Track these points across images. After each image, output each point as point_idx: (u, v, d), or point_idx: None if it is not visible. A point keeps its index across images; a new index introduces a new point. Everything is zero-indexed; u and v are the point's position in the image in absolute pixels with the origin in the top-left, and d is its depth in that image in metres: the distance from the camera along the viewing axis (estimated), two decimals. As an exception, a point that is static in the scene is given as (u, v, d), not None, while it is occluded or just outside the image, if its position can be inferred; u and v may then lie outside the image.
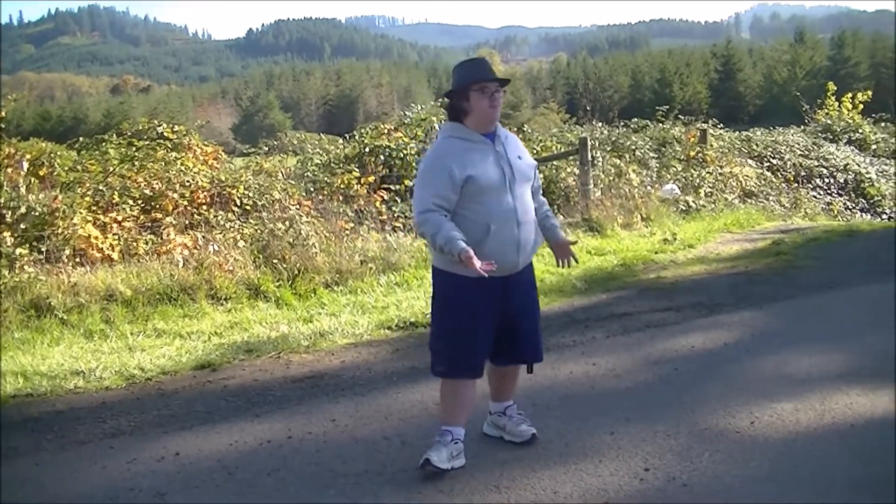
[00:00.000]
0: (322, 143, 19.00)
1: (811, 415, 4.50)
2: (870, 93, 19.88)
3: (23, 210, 7.91)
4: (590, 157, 11.48)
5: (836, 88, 19.97)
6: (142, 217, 8.88)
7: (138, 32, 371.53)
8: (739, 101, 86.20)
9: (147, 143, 10.12)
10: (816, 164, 15.98)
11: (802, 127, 19.21)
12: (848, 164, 16.29)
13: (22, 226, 7.87)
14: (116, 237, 8.33)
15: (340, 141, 14.49)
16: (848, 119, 18.81)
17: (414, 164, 11.00)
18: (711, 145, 14.63)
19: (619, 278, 8.35)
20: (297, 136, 30.71)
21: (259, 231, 8.77)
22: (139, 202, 9.05)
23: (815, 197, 15.18)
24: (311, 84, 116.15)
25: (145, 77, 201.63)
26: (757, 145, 16.13)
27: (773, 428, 4.36)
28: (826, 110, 19.49)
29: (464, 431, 4.05)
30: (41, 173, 10.19)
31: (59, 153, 11.92)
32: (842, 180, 15.87)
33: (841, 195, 15.63)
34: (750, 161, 15.34)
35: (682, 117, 16.85)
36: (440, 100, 17.43)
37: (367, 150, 11.50)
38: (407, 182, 10.61)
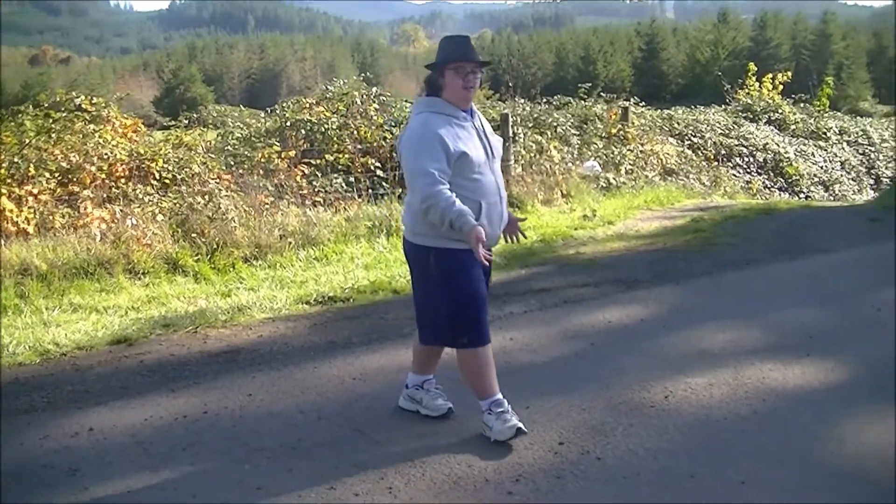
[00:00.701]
0: (243, 116, 18.71)
1: (724, 389, 4.56)
2: (790, 74, 20.22)
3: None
4: (511, 134, 11.45)
5: (757, 69, 20.27)
6: (58, 190, 8.76)
7: (59, 2, 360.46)
8: (662, 80, 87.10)
9: (65, 115, 9.86)
10: (736, 143, 16.22)
11: (724, 106, 19.46)
12: (767, 143, 16.59)
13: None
14: (32, 210, 8.21)
15: (262, 115, 14.24)
16: (768, 99, 19.12)
17: (335, 138, 10.88)
18: (633, 123, 14.71)
19: (538, 254, 8.35)
20: (219, 109, 30.25)
21: (178, 205, 8.70)
22: (56, 175, 8.91)
23: (734, 175, 15.41)
24: (234, 57, 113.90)
25: (65, 48, 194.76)
26: (678, 124, 16.27)
27: (687, 402, 4.41)
28: (747, 90, 19.77)
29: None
30: (-46, 145, 9.85)
31: (-28, 124, 11.49)
32: (761, 159, 16.15)
33: (760, 174, 15.90)
34: (671, 139, 15.48)
35: (605, 95, 16.91)
36: (363, 74, 17.26)
37: (288, 124, 11.36)
38: (328, 157, 10.48)
